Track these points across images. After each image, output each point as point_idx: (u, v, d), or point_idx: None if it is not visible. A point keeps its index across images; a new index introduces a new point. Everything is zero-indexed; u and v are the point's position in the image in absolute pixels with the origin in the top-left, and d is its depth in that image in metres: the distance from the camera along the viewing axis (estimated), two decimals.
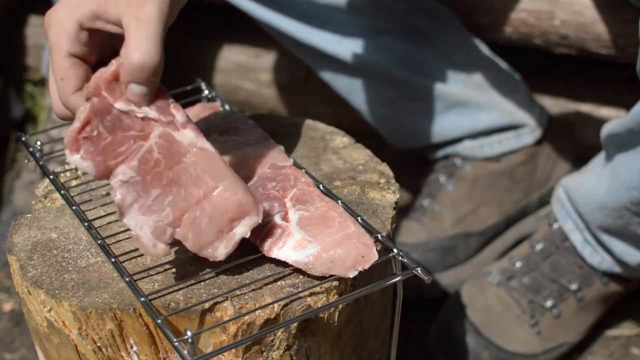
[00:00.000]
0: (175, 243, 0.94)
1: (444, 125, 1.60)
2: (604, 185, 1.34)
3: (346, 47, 1.55)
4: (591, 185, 1.39)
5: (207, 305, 0.91)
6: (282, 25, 1.56)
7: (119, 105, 0.89)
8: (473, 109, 1.58)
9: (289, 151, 1.16)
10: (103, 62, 0.92)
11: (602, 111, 1.74)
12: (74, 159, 0.89)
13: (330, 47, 1.56)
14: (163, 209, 0.90)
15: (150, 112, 0.90)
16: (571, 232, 1.45)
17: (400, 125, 1.62)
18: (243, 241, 1.01)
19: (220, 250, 0.93)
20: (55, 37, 0.90)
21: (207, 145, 0.93)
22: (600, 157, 1.41)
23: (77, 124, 0.87)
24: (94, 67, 0.93)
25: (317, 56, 1.60)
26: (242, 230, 0.93)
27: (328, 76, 1.64)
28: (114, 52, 0.92)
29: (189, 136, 0.92)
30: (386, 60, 1.55)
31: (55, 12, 0.90)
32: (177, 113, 0.92)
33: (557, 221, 1.48)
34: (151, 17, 0.86)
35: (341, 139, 1.20)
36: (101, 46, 0.94)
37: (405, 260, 0.95)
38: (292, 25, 1.56)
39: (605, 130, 1.34)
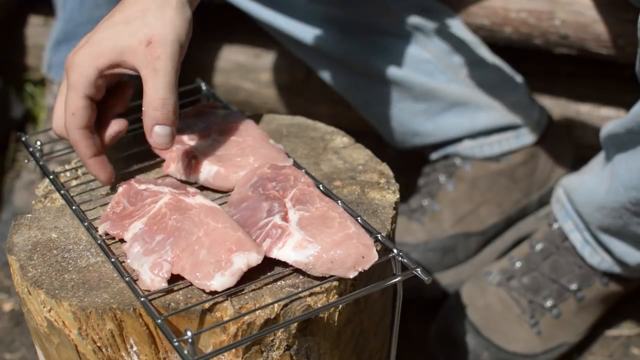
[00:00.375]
0: (176, 279, 0.95)
1: (443, 125, 1.60)
2: (603, 186, 1.34)
3: (345, 46, 1.55)
4: (591, 186, 1.39)
5: (207, 305, 0.91)
6: (282, 24, 1.56)
7: (142, 186, 1.03)
8: (473, 109, 1.58)
9: (289, 151, 1.16)
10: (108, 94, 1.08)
11: (602, 111, 1.74)
12: (102, 227, 1.01)
13: (330, 47, 1.56)
14: (163, 248, 0.95)
15: (167, 188, 1.03)
16: (571, 232, 1.45)
17: (399, 125, 1.62)
18: None
19: (217, 279, 0.92)
20: (75, 79, 1.02)
21: (215, 205, 1.01)
22: (600, 157, 1.41)
23: (111, 204, 1.03)
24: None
25: (316, 56, 1.60)
26: (241, 261, 0.92)
27: (328, 76, 1.64)
28: (117, 85, 1.09)
29: (198, 199, 1.01)
30: (386, 60, 1.55)
31: (78, 56, 1.02)
32: (191, 189, 1.03)
33: (557, 221, 1.48)
34: (166, 68, 1.00)
35: (341, 139, 1.20)
36: (108, 83, 1.07)
37: (405, 260, 0.95)
38: (292, 24, 1.56)
39: (605, 130, 1.34)
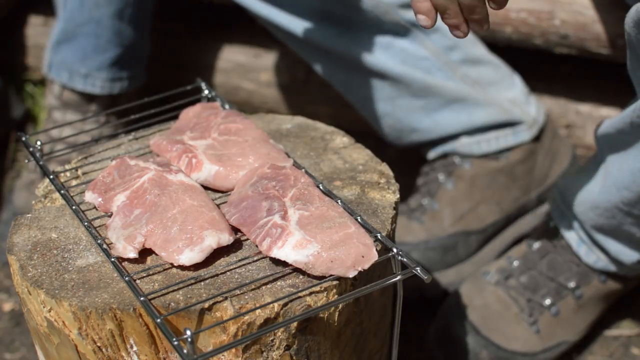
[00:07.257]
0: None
1: (441, 121, 1.60)
2: (597, 185, 1.35)
3: (344, 42, 1.55)
4: (585, 185, 1.39)
5: (206, 304, 0.91)
6: (282, 20, 1.56)
7: (132, 162, 1.07)
8: (470, 105, 1.58)
9: (289, 151, 1.16)
10: None
11: (602, 111, 1.74)
12: (88, 195, 1.06)
13: (329, 42, 1.56)
14: (140, 222, 0.98)
15: (153, 165, 1.06)
16: (566, 232, 1.46)
17: (397, 121, 1.62)
18: (242, 241, 1.01)
19: (186, 254, 0.95)
20: None
21: (196, 184, 1.04)
22: (595, 157, 1.42)
23: (103, 173, 1.07)
24: None
25: (315, 51, 1.60)
26: (213, 239, 0.96)
27: (326, 72, 1.64)
28: None
29: (179, 177, 1.04)
30: (384, 57, 1.55)
31: None
32: (174, 167, 1.06)
33: (553, 220, 1.49)
34: None
35: (341, 139, 1.20)
36: None
37: (405, 259, 0.95)
38: (291, 20, 1.56)
39: (599, 130, 1.34)
